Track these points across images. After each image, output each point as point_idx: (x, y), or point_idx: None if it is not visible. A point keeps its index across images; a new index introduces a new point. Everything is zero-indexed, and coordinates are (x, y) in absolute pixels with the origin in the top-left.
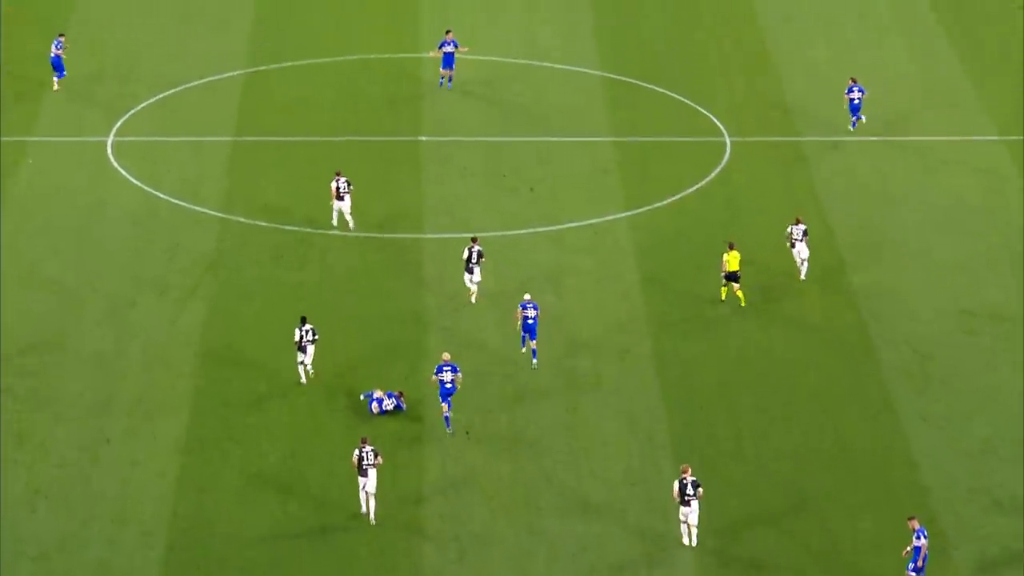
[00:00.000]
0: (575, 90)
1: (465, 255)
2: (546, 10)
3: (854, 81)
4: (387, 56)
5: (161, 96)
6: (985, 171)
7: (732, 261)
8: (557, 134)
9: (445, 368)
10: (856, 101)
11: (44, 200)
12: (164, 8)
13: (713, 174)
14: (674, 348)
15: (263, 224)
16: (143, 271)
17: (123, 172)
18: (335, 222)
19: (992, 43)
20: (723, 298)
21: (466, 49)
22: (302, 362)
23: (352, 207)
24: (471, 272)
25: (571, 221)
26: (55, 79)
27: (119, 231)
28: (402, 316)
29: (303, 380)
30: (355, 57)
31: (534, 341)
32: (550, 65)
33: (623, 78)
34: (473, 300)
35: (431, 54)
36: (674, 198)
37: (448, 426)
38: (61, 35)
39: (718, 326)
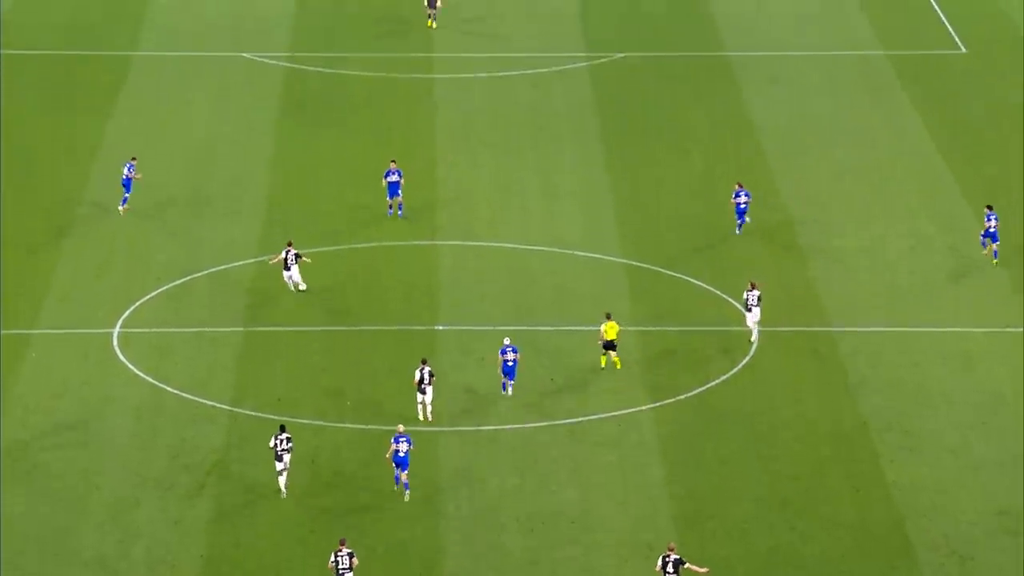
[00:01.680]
0: (597, 278)
1: (417, 377)
2: (567, 197)
3: (740, 186)
4: (403, 243)
5: (170, 286)
6: (1022, 365)
7: (610, 331)
8: (579, 323)
9: (401, 439)
10: (742, 206)
11: (47, 394)
12: (175, 198)
13: (741, 365)
14: (701, 547)
15: (273, 418)
16: (148, 468)
17: (129, 365)
18: (292, 288)
19: None
20: (603, 365)
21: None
22: (280, 471)
23: (301, 274)
24: (423, 392)
25: (594, 413)
26: (121, 204)
27: (123, 426)
28: (416, 514)
29: (283, 490)
30: (371, 244)
31: (512, 381)
32: (571, 252)
33: (646, 265)
34: (422, 417)
35: (384, 183)
36: (700, 389)
37: (398, 484)
38: (133, 158)
39: (746, 524)
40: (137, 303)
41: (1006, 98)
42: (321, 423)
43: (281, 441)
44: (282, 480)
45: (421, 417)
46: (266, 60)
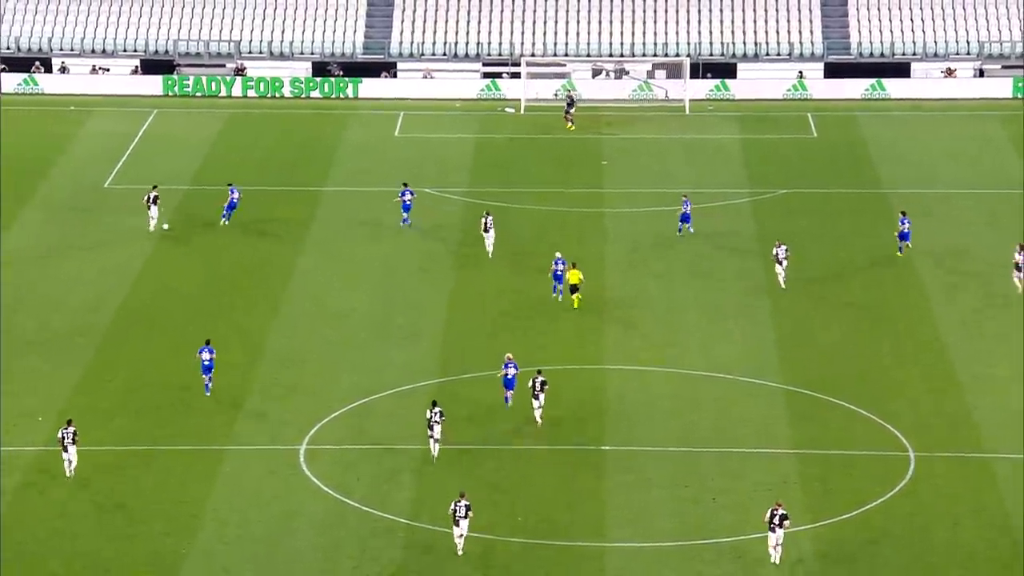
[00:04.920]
0: (758, 402)
1: (530, 384)
2: (730, 325)
3: (685, 197)
4: (572, 367)
5: (354, 405)
6: None
7: (572, 277)
8: (740, 446)
9: (510, 365)
10: (687, 213)
11: (238, 507)
12: (360, 324)
13: (897, 488)
14: None
15: (448, 531)
16: None
17: (314, 479)
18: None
19: None
20: (571, 301)
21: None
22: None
23: (495, 243)
24: (536, 398)
25: (754, 532)
26: (226, 216)
27: (308, 539)
28: None
29: (434, 456)
30: (541, 367)
31: (561, 285)
32: (734, 377)
33: (806, 391)
34: (538, 420)
35: (394, 200)
36: (858, 512)
37: (508, 403)
38: (229, 184)
39: None
40: (323, 421)
41: None
42: (492, 537)
43: (435, 414)
44: (435, 449)
45: (538, 419)
46: (446, 194)
